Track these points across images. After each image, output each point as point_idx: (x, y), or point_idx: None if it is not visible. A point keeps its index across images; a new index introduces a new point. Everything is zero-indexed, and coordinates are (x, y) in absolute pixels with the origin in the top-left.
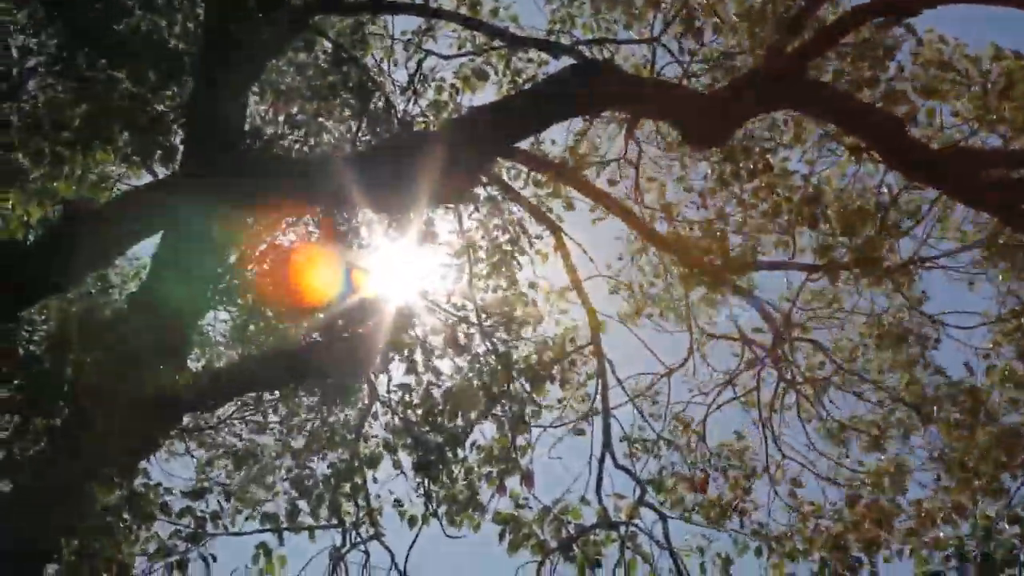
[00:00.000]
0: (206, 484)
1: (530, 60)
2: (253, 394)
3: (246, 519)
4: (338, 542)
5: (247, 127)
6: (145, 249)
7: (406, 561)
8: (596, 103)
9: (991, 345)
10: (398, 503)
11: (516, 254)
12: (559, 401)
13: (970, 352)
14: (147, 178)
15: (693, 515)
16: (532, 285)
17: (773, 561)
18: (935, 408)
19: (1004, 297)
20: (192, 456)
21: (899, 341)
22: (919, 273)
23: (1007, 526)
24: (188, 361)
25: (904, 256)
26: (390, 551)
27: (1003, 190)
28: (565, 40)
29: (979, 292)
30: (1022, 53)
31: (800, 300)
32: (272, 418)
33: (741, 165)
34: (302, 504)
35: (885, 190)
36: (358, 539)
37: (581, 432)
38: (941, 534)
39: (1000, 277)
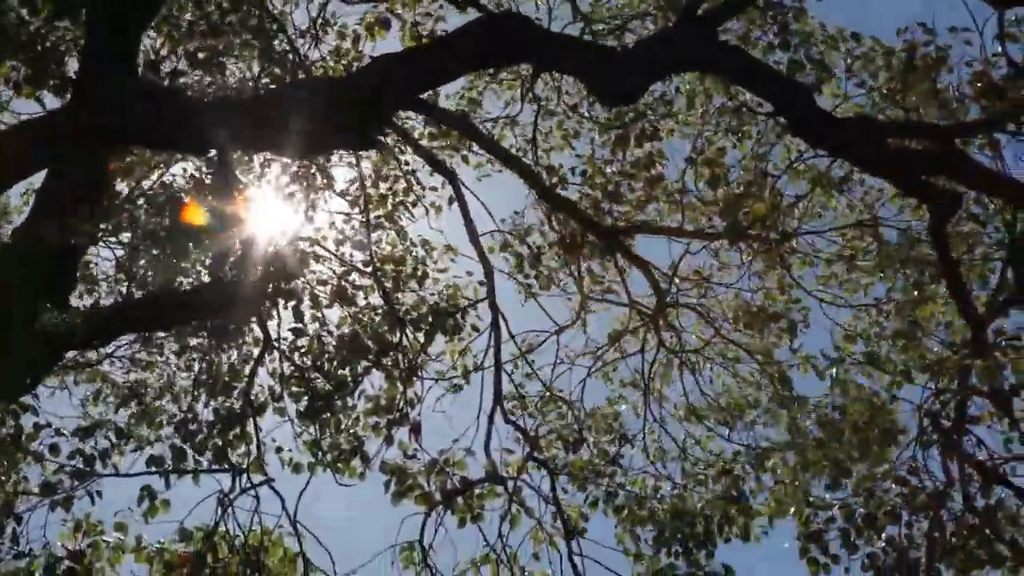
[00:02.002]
0: (92, 420)
1: (430, 14)
2: (140, 333)
3: (134, 459)
4: (226, 487)
5: (143, 62)
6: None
7: (296, 507)
8: (509, 56)
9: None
10: (280, 450)
11: (410, 204)
12: (447, 349)
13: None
14: (36, 108)
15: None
16: (425, 243)
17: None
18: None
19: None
20: (74, 392)
21: (768, 321)
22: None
23: (892, 486)
24: (72, 298)
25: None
26: (280, 496)
27: (904, 160)
28: None
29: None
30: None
31: (689, 268)
32: (159, 358)
33: (630, 131)
34: (187, 447)
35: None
36: (247, 484)
37: (459, 388)
38: (827, 496)
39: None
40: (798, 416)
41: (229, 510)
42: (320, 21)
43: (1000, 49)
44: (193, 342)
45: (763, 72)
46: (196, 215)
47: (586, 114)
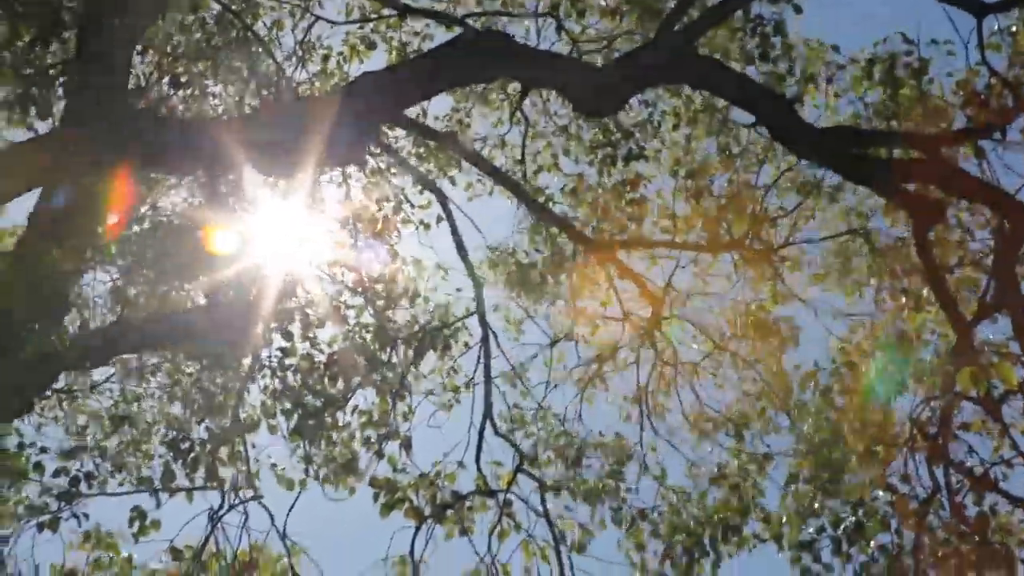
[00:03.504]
0: (78, 443)
1: (416, 33)
2: (132, 356)
3: (120, 484)
4: (216, 505)
5: (132, 86)
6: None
7: (285, 523)
8: (491, 70)
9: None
10: (274, 467)
11: (400, 223)
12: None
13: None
14: (25, 133)
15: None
16: (416, 261)
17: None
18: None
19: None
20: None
21: (764, 333)
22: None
23: (880, 493)
24: (65, 321)
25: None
26: (269, 512)
27: (888, 169)
28: (453, 12)
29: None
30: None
31: (682, 281)
32: (150, 383)
33: (618, 150)
34: (178, 467)
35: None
36: (237, 500)
37: (450, 406)
38: (816, 504)
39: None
40: (798, 422)
41: (219, 527)
42: (306, 43)
43: (981, 58)
44: (185, 365)
45: (743, 84)
46: (190, 238)
47: (574, 134)
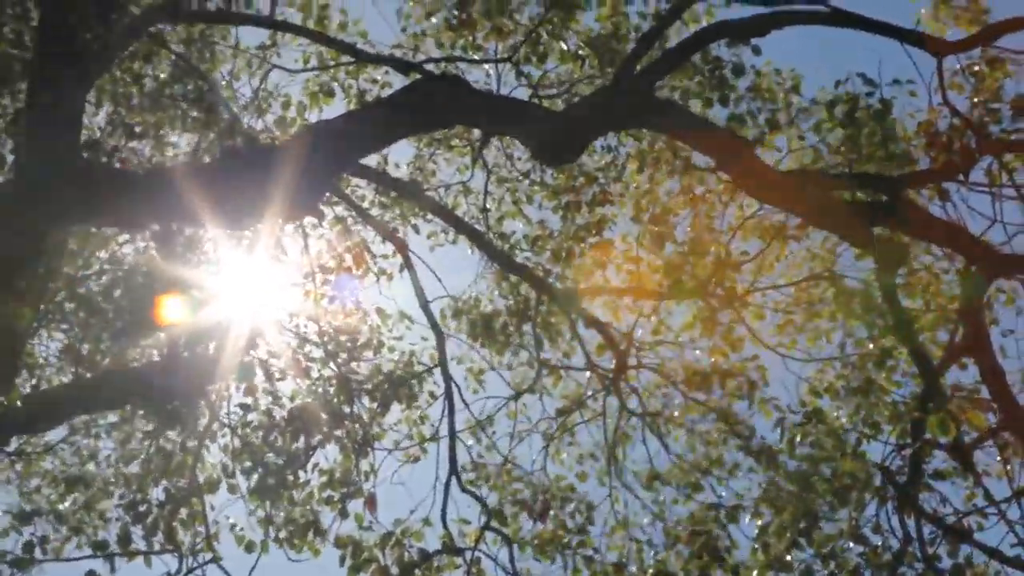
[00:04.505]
0: (32, 507)
1: (375, 81)
2: (86, 417)
3: (78, 547)
4: (173, 569)
5: (85, 138)
6: None
7: None
8: (447, 117)
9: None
10: (234, 528)
11: (361, 274)
12: (402, 420)
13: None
14: None
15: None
16: (379, 310)
17: None
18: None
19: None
20: (21, 482)
21: (723, 379)
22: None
23: (851, 544)
24: (16, 382)
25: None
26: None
27: (851, 212)
28: (412, 59)
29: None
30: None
31: (647, 328)
32: (106, 443)
33: (582, 196)
34: (136, 529)
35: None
36: (195, 564)
37: (417, 459)
38: (788, 557)
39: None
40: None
41: None
42: (263, 91)
43: (942, 99)
44: (141, 424)
45: (700, 127)
46: (146, 292)
47: (538, 180)
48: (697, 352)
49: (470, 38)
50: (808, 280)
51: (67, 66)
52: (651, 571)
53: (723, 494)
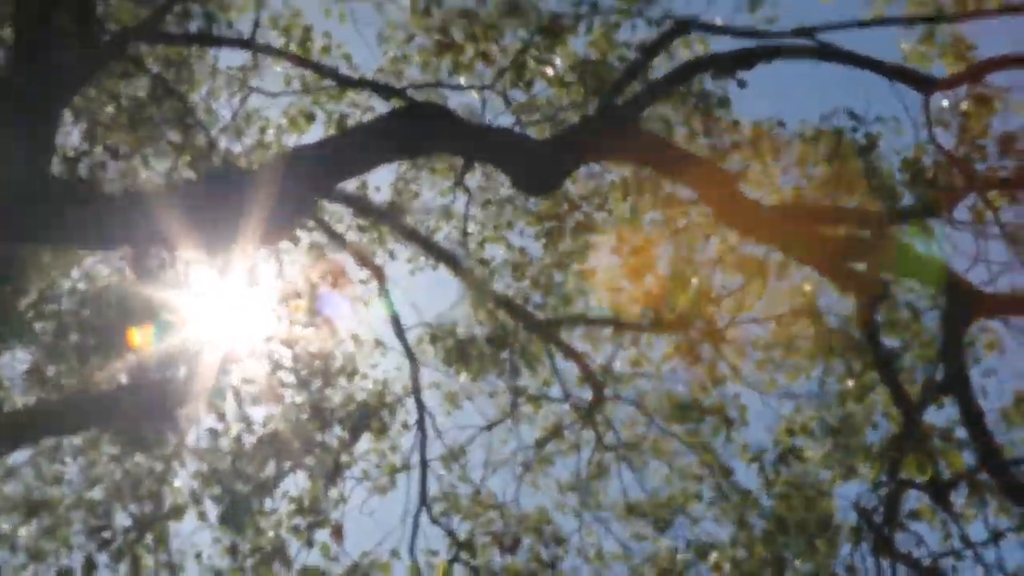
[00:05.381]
0: None
1: (357, 105)
2: (51, 441)
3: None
4: None
5: (60, 155)
6: None
7: None
8: (427, 145)
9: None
10: (199, 556)
11: (340, 292)
12: (373, 449)
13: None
14: None
15: None
16: (354, 337)
17: None
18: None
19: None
20: None
21: (702, 415)
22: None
23: None
24: None
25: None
26: None
27: (832, 248)
28: (395, 84)
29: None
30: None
31: (625, 360)
32: (70, 467)
33: (564, 223)
34: (100, 557)
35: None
36: None
37: (386, 489)
38: None
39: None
40: (741, 509)
41: None
42: (242, 114)
43: (929, 135)
44: (108, 448)
45: (684, 159)
46: (115, 314)
47: (520, 206)
48: (676, 387)
49: (455, 62)
50: (789, 316)
51: (43, 84)
52: None
53: (695, 533)
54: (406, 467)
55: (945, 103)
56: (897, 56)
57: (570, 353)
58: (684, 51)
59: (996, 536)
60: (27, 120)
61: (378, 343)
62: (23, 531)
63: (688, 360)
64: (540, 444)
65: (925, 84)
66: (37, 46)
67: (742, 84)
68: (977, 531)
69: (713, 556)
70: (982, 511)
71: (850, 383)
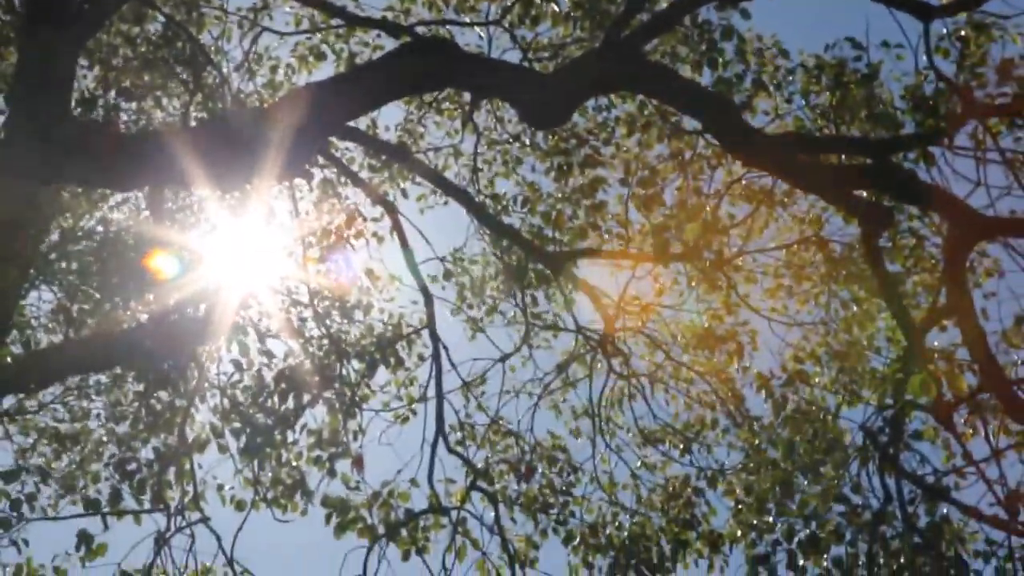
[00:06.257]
0: (19, 464)
1: (366, 44)
2: (77, 377)
3: (70, 503)
4: (163, 527)
5: (76, 98)
6: None
7: (233, 545)
8: (435, 80)
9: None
10: (221, 488)
11: (351, 237)
12: (390, 381)
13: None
14: None
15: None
16: (368, 272)
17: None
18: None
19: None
20: (12, 441)
21: (715, 344)
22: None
23: (833, 505)
24: (7, 342)
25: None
26: (216, 535)
27: (836, 175)
28: (403, 22)
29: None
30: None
31: (634, 291)
32: (96, 402)
33: (573, 157)
34: (125, 489)
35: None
36: (183, 523)
37: (406, 419)
38: (769, 518)
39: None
40: (752, 435)
41: (165, 549)
42: (253, 54)
43: (929, 63)
44: (133, 385)
45: (688, 89)
46: (135, 254)
47: (528, 142)
48: (686, 316)
49: None
50: (796, 244)
51: (57, 29)
52: (627, 534)
53: (705, 461)
54: (423, 398)
55: (944, 31)
56: None
57: (580, 286)
58: None
59: (997, 453)
60: (43, 65)
61: (393, 277)
62: (54, 464)
63: (698, 289)
64: (558, 371)
65: (925, 11)
66: None
67: (745, 15)
68: (979, 449)
69: (723, 482)
70: (984, 430)
71: (854, 309)
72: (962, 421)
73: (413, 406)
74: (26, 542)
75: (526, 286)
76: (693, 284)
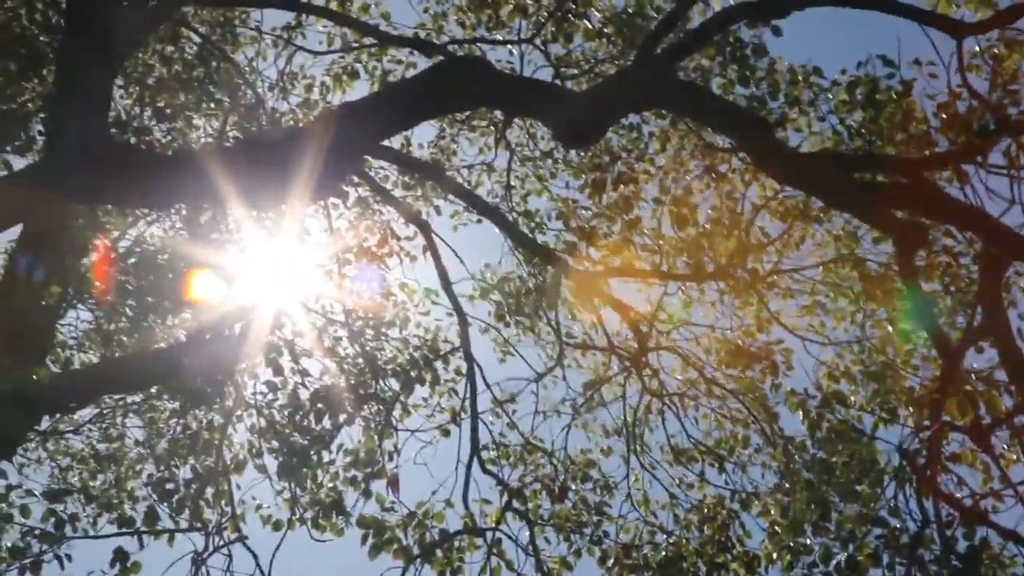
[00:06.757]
0: (64, 486)
1: (399, 61)
2: (115, 397)
3: (108, 522)
4: (200, 547)
5: (112, 120)
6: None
7: (271, 565)
8: (469, 99)
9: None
10: (259, 507)
11: (385, 256)
12: (424, 400)
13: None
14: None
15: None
16: (403, 287)
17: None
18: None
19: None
20: (52, 461)
21: (748, 361)
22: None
23: (870, 527)
24: (47, 361)
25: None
26: (254, 554)
27: (870, 194)
28: (435, 40)
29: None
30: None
31: (669, 309)
32: (134, 422)
33: (607, 174)
34: (163, 508)
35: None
36: (220, 543)
37: (447, 433)
38: (808, 540)
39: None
40: (787, 456)
41: (202, 569)
42: (288, 73)
43: (962, 80)
44: (169, 404)
45: (721, 108)
46: (172, 273)
47: (560, 159)
48: (720, 334)
49: (494, 16)
50: (831, 262)
51: (94, 49)
52: (663, 554)
53: (739, 481)
54: (457, 419)
55: (977, 48)
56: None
57: (613, 303)
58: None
59: None
60: (81, 85)
61: (428, 291)
62: (92, 484)
63: (732, 307)
64: (590, 387)
65: (957, 29)
66: (89, 12)
67: (777, 32)
68: (1018, 473)
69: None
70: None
71: (890, 328)
72: (1001, 443)
73: (449, 424)
74: (69, 557)
75: (558, 304)
76: (726, 301)
